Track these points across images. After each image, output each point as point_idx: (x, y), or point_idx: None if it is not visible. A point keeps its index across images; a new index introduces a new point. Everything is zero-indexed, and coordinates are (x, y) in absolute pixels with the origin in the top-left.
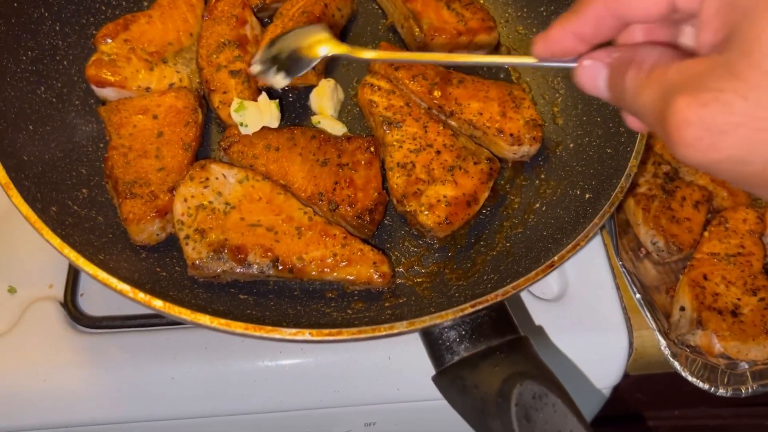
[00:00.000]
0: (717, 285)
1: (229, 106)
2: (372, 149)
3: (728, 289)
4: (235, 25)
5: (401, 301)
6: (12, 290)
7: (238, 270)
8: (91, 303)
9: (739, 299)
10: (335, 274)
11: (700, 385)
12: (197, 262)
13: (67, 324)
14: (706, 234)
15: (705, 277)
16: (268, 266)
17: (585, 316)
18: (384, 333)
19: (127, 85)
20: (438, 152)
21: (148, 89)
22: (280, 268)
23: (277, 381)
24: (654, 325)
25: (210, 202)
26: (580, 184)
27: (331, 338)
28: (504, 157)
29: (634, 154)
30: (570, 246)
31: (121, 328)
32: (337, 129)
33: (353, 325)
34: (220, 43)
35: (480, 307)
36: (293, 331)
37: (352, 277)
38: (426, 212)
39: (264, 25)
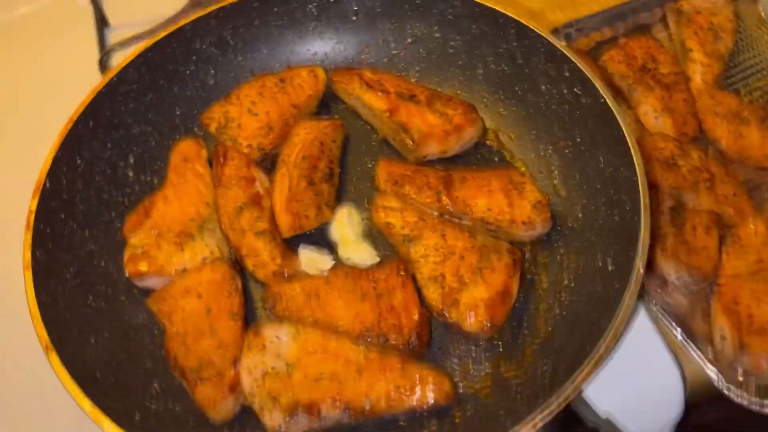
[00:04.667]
0: (749, 306)
1: (264, 267)
2: (402, 272)
3: (760, 306)
4: (246, 186)
5: (469, 413)
6: None
7: (316, 425)
8: None
9: None
10: (404, 404)
11: (759, 408)
12: (278, 428)
13: None
14: (724, 255)
15: (735, 302)
16: (342, 415)
17: (634, 364)
18: None
19: (164, 272)
20: (462, 257)
21: (184, 269)
22: (353, 413)
23: None
24: (702, 360)
25: (273, 367)
26: (600, 254)
27: None
28: (521, 240)
29: (642, 228)
30: (610, 336)
31: None
32: (366, 256)
33: None
34: (237, 207)
35: (549, 418)
36: None
37: (419, 403)
38: (469, 320)
39: (268, 173)
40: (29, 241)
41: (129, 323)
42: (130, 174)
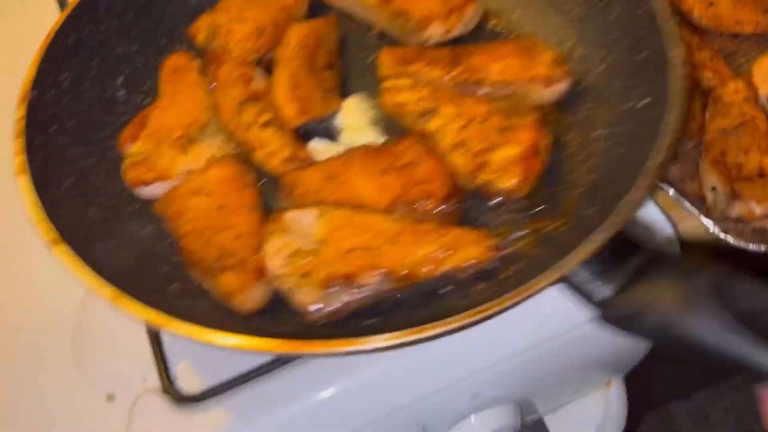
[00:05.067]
0: (736, 156)
1: (274, 156)
2: (423, 140)
3: (747, 156)
4: (245, 83)
5: (518, 267)
6: (111, 398)
7: (355, 297)
8: (189, 382)
9: (760, 162)
10: (446, 265)
11: (757, 249)
12: (314, 304)
13: (175, 408)
14: (707, 116)
15: (723, 154)
16: (381, 282)
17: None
18: (534, 291)
19: (169, 175)
20: (484, 121)
21: (189, 172)
22: (393, 278)
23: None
24: (696, 213)
25: (300, 247)
26: (630, 96)
27: (482, 316)
28: (543, 101)
29: (673, 43)
30: (672, 135)
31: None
32: (375, 139)
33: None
34: (238, 104)
35: (615, 231)
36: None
37: (461, 263)
38: (501, 177)
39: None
40: (21, 146)
41: (137, 234)
42: (121, 94)
